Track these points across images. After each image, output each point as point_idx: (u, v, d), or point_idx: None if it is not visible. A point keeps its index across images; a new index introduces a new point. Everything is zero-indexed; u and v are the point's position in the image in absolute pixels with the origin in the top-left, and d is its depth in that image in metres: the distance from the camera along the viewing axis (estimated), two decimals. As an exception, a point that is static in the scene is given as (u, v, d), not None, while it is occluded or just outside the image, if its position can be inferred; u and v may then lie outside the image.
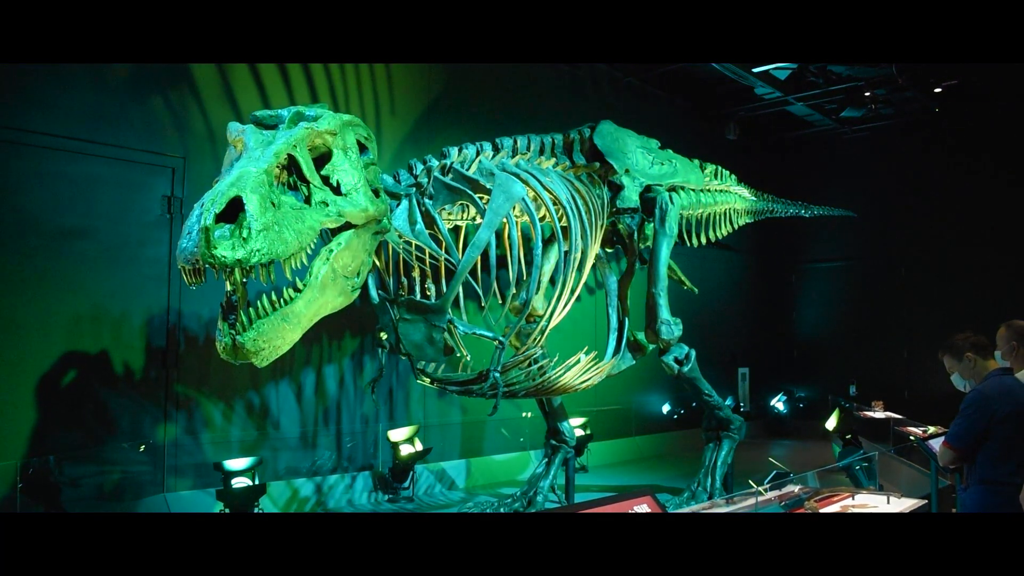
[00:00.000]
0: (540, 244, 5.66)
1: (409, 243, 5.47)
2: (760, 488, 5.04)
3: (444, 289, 5.87)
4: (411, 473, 7.45)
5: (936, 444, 6.25)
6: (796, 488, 5.42)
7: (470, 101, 8.86)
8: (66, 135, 5.99)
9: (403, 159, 7.74)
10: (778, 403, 12.37)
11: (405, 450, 7.31)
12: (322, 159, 4.25)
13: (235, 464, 5.84)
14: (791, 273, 14.02)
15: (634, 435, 10.46)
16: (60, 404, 5.80)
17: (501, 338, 5.52)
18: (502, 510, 6.67)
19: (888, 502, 4.82)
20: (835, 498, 4.93)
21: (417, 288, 5.60)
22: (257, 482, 5.89)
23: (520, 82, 9.38)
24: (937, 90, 10.50)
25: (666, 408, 11.18)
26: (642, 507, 3.26)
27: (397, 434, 7.39)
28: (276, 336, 3.82)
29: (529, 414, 8.85)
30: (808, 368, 13.44)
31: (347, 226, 4.21)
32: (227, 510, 5.81)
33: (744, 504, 4.85)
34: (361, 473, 7.50)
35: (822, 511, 4.49)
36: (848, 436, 9.62)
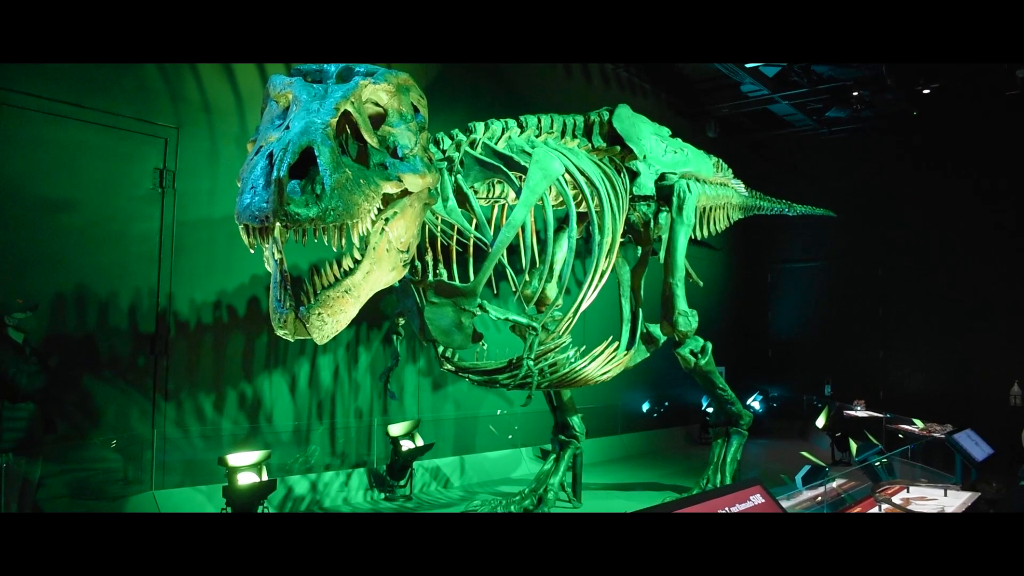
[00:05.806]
0: (575, 227, 5.35)
1: (439, 220, 5.12)
2: (822, 480, 4.89)
3: (470, 271, 5.55)
4: (409, 470, 7.04)
5: (963, 439, 6.16)
6: (834, 484, 5.26)
7: (464, 87, 8.50)
8: (52, 97, 5.45)
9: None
10: (754, 402, 12.30)
11: (405, 445, 6.90)
12: (373, 120, 3.88)
13: (241, 459, 5.35)
14: (768, 272, 14.03)
15: (620, 433, 10.23)
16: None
17: (535, 324, 5.21)
18: (512, 508, 6.33)
19: (945, 495, 4.69)
20: (890, 491, 4.78)
21: (431, 270, 5.17)
22: (266, 478, 5.42)
23: (512, 70, 9.07)
24: (925, 91, 10.53)
25: (646, 406, 10.98)
26: (756, 497, 3.00)
27: (397, 428, 6.98)
28: (339, 310, 3.45)
29: (501, 412, 8.53)
30: (784, 368, 13.45)
31: (403, 193, 3.85)
32: (229, 508, 5.33)
33: (794, 502, 4.65)
34: (356, 470, 7.07)
35: (894, 500, 4.32)
36: (838, 434, 9.60)
